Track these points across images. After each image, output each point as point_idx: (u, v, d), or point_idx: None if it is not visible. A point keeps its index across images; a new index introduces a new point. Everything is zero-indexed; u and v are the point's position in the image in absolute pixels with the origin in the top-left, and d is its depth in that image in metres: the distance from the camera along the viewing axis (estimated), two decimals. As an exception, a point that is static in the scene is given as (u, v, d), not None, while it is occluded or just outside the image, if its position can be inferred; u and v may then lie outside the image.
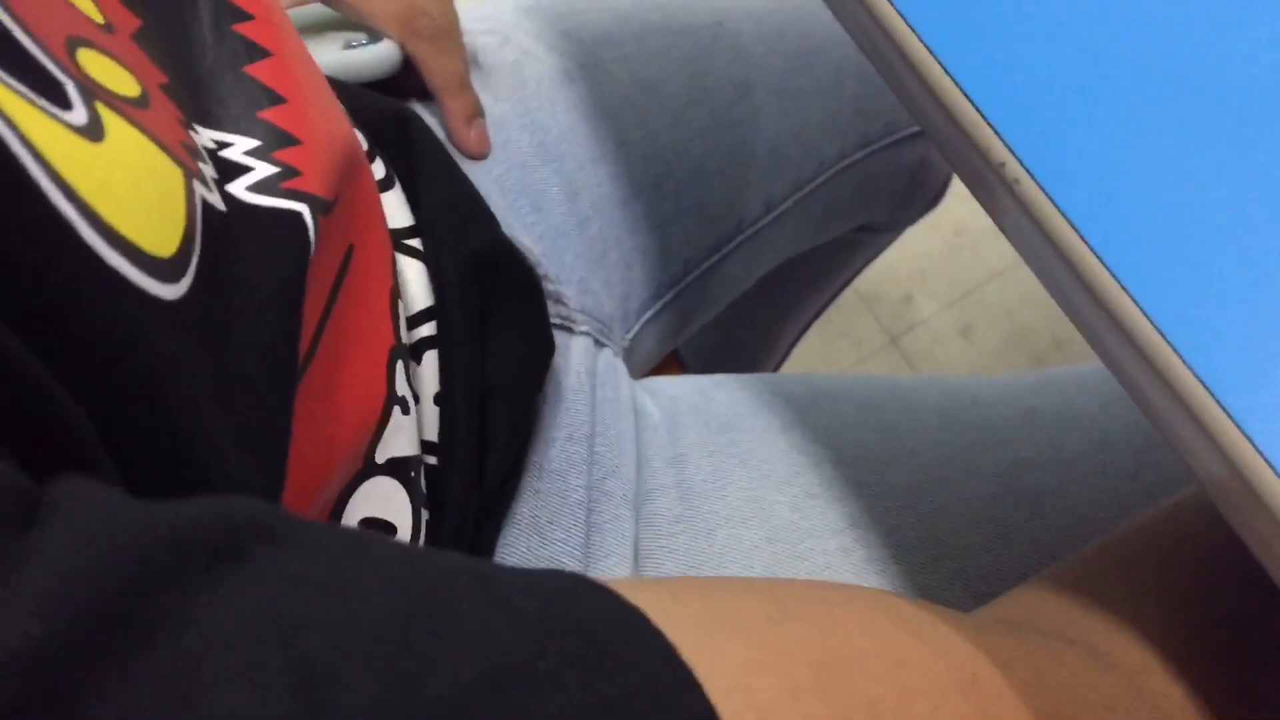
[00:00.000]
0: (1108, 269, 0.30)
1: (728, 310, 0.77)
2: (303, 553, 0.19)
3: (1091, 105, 0.32)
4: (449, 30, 0.59)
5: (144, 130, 0.28)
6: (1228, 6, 0.33)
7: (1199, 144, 0.31)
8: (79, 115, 0.26)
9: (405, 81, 0.60)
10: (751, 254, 0.72)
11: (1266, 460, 0.27)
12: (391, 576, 0.20)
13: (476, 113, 0.60)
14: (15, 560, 0.16)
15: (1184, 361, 0.28)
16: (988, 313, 1.34)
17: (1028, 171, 0.31)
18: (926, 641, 0.28)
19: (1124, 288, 0.29)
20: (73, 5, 0.31)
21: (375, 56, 0.58)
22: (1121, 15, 0.33)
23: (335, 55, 0.58)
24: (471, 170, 0.58)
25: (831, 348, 1.34)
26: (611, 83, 0.65)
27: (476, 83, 0.61)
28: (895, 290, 1.36)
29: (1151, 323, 0.29)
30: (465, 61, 0.60)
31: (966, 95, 0.33)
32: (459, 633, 0.19)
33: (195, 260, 0.28)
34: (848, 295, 1.29)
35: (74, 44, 0.29)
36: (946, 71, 0.33)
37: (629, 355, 0.65)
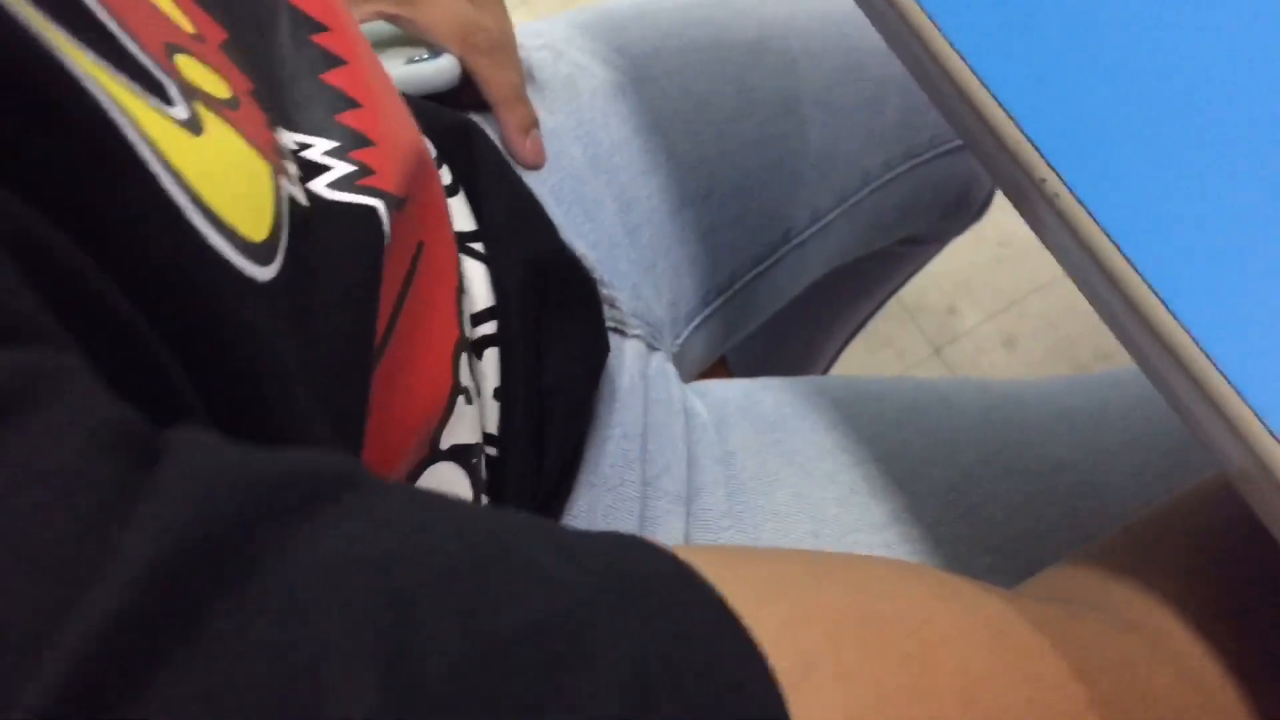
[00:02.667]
0: (1145, 281, 0.31)
1: (774, 319, 0.79)
2: (385, 500, 0.21)
3: (1129, 120, 0.33)
4: (505, 45, 0.62)
5: (236, 128, 0.31)
6: (1271, 26, 0.34)
7: (1235, 158, 0.32)
8: (181, 111, 0.28)
9: (464, 94, 0.62)
10: (797, 264, 0.73)
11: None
12: (464, 524, 0.22)
13: (532, 124, 0.62)
14: (140, 491, 0.18)
15: (1215, 365, 0.29)
16: (1031, 324, 1.34)
17: (1067, 186, 0.32)
18: (956, 601, 0.29)
19: (1160, 298, 0.30)
20: (168, 16, 0.33)
21: (436, 70, 0.61)
22: (1162, 34, 0.34)
23: (398, 69, 0.61)
24: (527, 180, 0.60)
25: (876, 357, 1.35)
26: (661, 97, 0.67)
27: (531, 96, 0.64)
28: (939, 301, 1.37)
29: (1185, 328, 0.30)
30: (521, 75, 0.63)
31: (1007, 111, 0.34)
32: (529, 574, 0.21)
33: (283, 247, 0.30)
34: (892, 305, 1.30)
35: (172, 49, 0.31)
36: (987, 88, 0.34)
37: (678, 360, 0.67)
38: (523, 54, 0.65)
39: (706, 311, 0.69)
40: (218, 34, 0.36)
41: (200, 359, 0.25)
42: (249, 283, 0.28)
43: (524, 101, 0.62)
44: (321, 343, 0.31)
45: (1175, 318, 0.30)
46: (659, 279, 0.64)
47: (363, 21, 0.62)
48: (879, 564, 0.30)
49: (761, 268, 0.71)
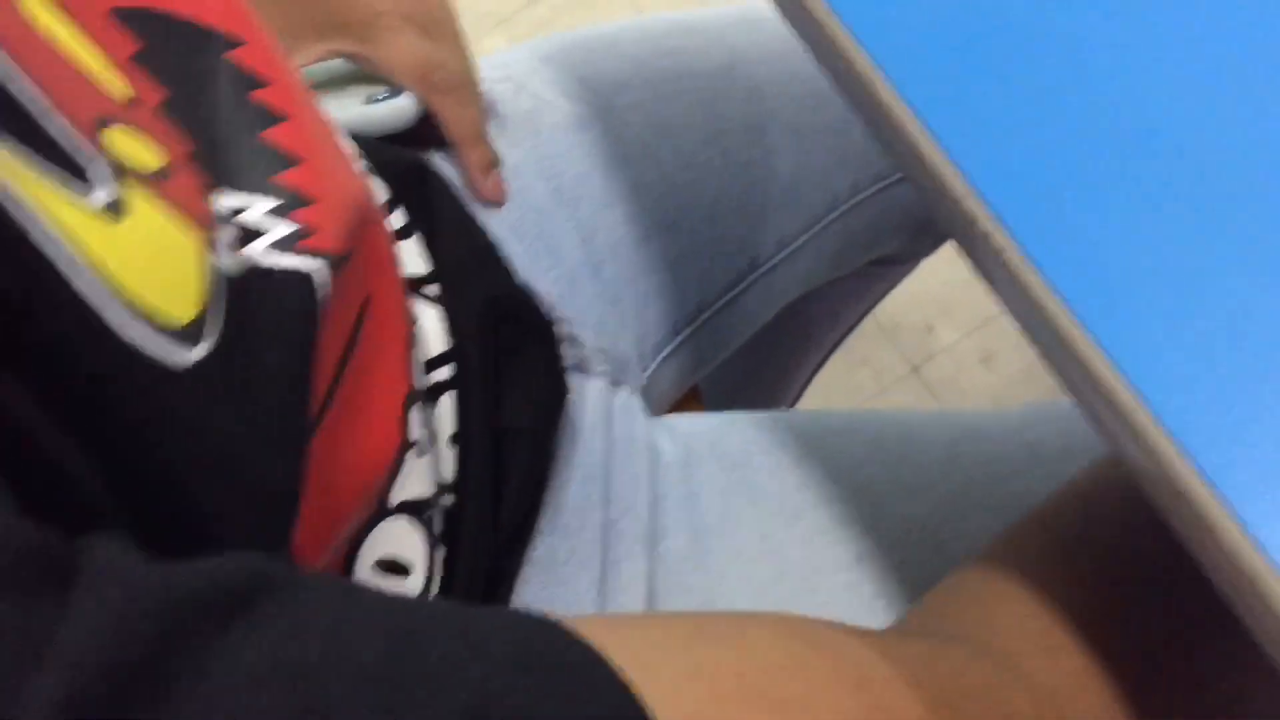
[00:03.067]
0: (1087, 334, 0.31)
1: (746, 346, 0.79)
2: (302, 602, 0.22)
3: (1077, 174, 0.33)
4: (466, 82, 0.61)
5: (164, 203, 0.30)
6: (1214, 78, 0.34)
7: (1185, 215, 0.32)
8: (102, 195, 0.28)
9: (425, 132, 0.62)
10: (766, 291, 0.73)
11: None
12: (379, 622, 0.23)
13: (493, 162, 0.61)
14: (56, 620, 0.18)
15: (1171, 438, 0.29)
16: (1009, 340, 1.34)
17: (1012, 240, 0.32)
18: (826, 650, 0.31)
19: (1105, 354, 0.30)
20: (101, 85, 0.33)
21: (395, 109, 0.60)
22: (1114, 88, 0.34)
23: (357, 109, 0.60)
24: (488, 217, 0.60)
25: (853, 377, 1.35)
26: (625, 127, 0.67)
27: (493, 131, 0.63)
28: (916, 319, 1.37)
29: (1131, 386, 0.30)
30: (483, 112, 0.62)
31: (953, 164, 0.34)
32: (440, 673, 0.22)
33: (213, 324, 0.30)
34: (869, 324, 1.30)
35: (101, 122, 0.31)
36: (934, 140, 0.34)
37: (647, 393, 0.66)
38: (484, 88, 0.65)
39: (675, 343, 0.68)
40: (156, 94, 0.36)
41: (120, 456, 0.25)
42: (169, 371, 0.28)
43: (485, 140, 0.61)
44: (256, 416, 0.31)
45: (1117, 370, 0.30)
46: (624, 312, 0.64)
47: (319, 60, 0.61)
48: (755, 619, 0.32)
49: (730, 296, 0.71)
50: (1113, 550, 0.39)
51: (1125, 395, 0.30)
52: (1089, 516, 0.41)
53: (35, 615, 0.18)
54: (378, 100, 0.61)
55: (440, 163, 0.62)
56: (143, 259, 0.28)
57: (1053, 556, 0.40)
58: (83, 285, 0.26)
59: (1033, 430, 0.57)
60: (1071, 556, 0.39)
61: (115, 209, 0.28)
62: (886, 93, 0.35)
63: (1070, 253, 0.32)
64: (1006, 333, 1.34)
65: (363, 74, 0.63)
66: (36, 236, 0.25)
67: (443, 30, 0.62)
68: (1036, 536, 0.41)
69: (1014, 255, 0.32)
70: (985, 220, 0.33)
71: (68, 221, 0.26)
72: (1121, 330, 0.31)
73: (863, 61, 0.36)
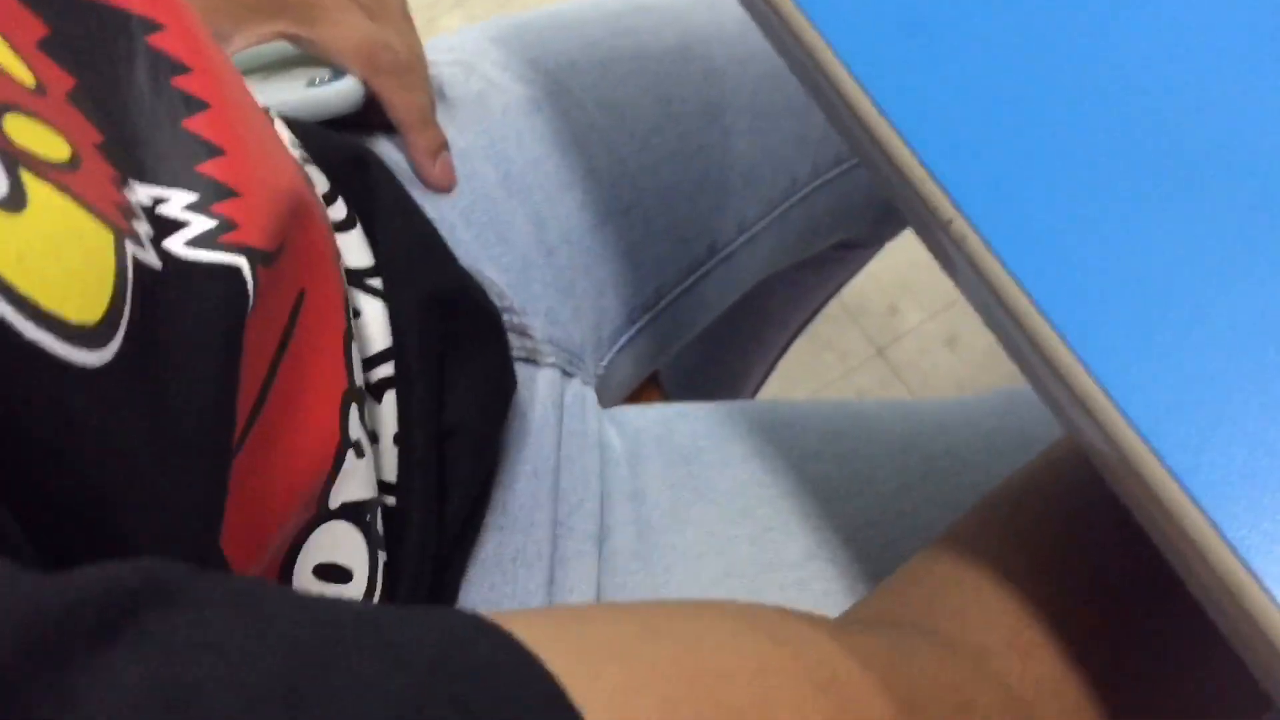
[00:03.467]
0: (1049, 321, 0.30)
1: (707, 330, 0.77)
2: (194, 615, 0.20)
3: (1039, 163, 0.32)
4: (412, 64, 0.59)
5: (71, 195, 0.29)
6: (1185, 68, 0.33)
7: (1152, 203, 0.31)
8: None
9: (371, 116, 0.60)
10: (727, 276, 0.72)
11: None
12: (282, 634, 0.20)
13: (441, 147, 0.60)
14: None
15: (1128, 421, 0.29)
16: (973, 322, 1.34)
17: (975, 229, 0.31)
18: (787, 647, 0.29)
19: (1067, 344, 0.30)
20: (3, 70, 0.31)
21: (338, 93, 0.58)
22: (1079, 73, 0.33)
23: (299, 93, 0.58)
24: (437, 203, 0.58)
25: (818, 360, 1.34)
26: (577, 110, 0.65)
27: (441, 115, 0.62)
28: (881, 301, 1.36)
29: (1095, 379, 0.29)
30: (430, 95, 0.60)
31: (914, 152, 0.33)
32: (349, 688, 0.20)
33: (124, 324, 0.28)
34: (834, 307, 1.29)
35: (1, 110, 0.29)
36: (894, 127, 0.33)
37: (604, 382, 0.65)
38: (433, 70, 0.63)
39: (633, 330, 0.67)
40: (65, 81, 0.34)
41: (22, 463, 0.23)
42: (76, 371, 0.26)
43: (432, 123, 0.60)
44: (170, 421, 0.29)
45: (1077, 356, 0.29)
46: (579, 300, 0.62)
47: (261, 42, 0.59)
48: (711, 611, 0.30)
49: (689, 282, 0.69)
50: (1074, 536, 0.38)
51: (1084, 381, 0.29)
52: (1049, 499, 0.40)
53: None
54: (320, 84, 0.59)
55: (386, 148, 0.60)
56: (42, 254, 0.26)
57: (1016, 542, 0.38)
58: None
59: (990, 420, 0.56)
60: (1034, 543, 0.38)
61: (14, 200, 0.27)
62: (841, 76, 0.34)
63: (1031, 240, 0.31)
64: (971, 315, 1.34)
65: (305, 57, 0.60)
66: None
67: (388, 11, 0.60)
68: (998, 522, 0.40)
69: (976, 244, 0.31)
70: (945, 208, 0.32)
71: None
72: (1082, 316, 0.30)
73: (818, 45, 0.35)
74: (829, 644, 0.30)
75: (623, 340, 0.66)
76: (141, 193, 0.34)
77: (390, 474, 0.44)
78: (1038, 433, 0.54)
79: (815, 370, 1.33)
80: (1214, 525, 0.27)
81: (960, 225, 0.32)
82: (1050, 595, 0.36)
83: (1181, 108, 0.32)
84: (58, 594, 0.18)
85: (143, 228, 0.32)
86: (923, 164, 0.33)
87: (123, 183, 0.33)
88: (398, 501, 0.44)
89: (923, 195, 0.33)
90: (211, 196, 0.35)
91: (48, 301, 0.26)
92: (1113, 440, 0.29)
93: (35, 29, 0.34)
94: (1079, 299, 0.30)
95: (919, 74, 0.34)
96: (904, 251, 1.34)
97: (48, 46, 0.34)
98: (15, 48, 0.32)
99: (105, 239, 0.29)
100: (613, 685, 0.24)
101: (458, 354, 0.48)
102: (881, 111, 0.33)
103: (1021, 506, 0.40)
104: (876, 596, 0.39)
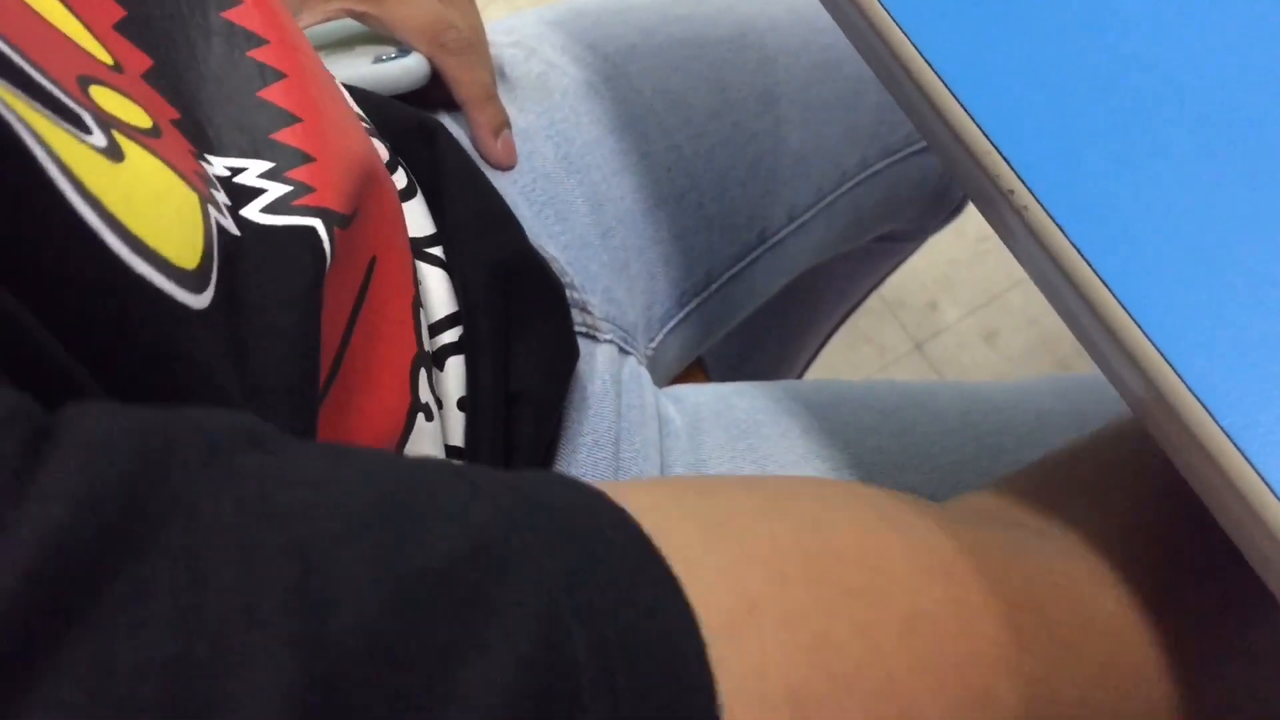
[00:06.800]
0: (1112, 292, 0.30)
1: (752, 318, 0.78)
2: (291, 454, 0.21)
3: (1099, 132, 0.32)
4: (475, 43, 0.60)
5: (160, 156, 0.30)
6: (1240, 37, 0.33)
7: (1206, 169, 0.31)
8: (98, 139, 0.27)
9: (434, 93, 0.61)
10: (774, 263, 0.73)
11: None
12: (373, 473, 0.22)
13: (503, 124, 0.61)
14: (33, 463, 0.18)
15: (1173, 367, 0.29)
16: (1012, 319, 1.34)
17: (1036, 199, 0.32)
18: (908, 535, 0.29)
19: (1130, 314, 0.30)
20: (81, 48, 0.32)
21: (404, 69, 0.59)
22: (1134, 46, 0.33)
23: (365, 69, 0.59)
24: (498, 180, 0.59)
25: (857, 353, 1.34)
26: (635, 95, 0.66)
27: (503, 95, 0.63)
28: (920, 297, 1.36)
29: (1156, 347, 0.29)
30: (492, 74, 0.61)
31: (976, 122, 0.33)
32: (437, 516, 0.21)
33: (215, 277, 0.29)
34: (873, 301, 1.29)
35: (85, 81, 0.30)
36: (957, 98, 0.34)
37: (653, 363, 0.66)
38: (494, 51, 0.64)
39: (682, 313, 0.68)
40: (141, 62, 0.35)
41: (133, 390, 0.24)
42: (183, 309, 0.27)
43: (494, 101, 0.61)
44: (261, 373, 0.30)
45: (1145, 334, 0.30)
46: (633, 281, 0.63)
47: (329, 19, 0.60)
48: (836, 493, 0.30)
49: (738, 268, 0.70)
50: (1138, 498, 0.38)
51: (1145, 349, 0.30)
52: (1137, 453, 0.39)
53: (17, 454, 0.18)
54: (386, 60, 0.60)
55: (449, 126, 0.62)
56: (144, 201, 0.27)
57: (1110, 480, 0.38)
58: (85, 213, 0.25)
59: (1043, 401, 0.56)
60: (1127, 482, 0.38)
61: (113, 152, 0.28)
62: (908, 52, 0.35)
63: (1093, 209, 0.31)
64: (1009, 311, 1.34)
65: (371, 34, 0.62)
66: (42, 159, 0.24)
67: (452, -10, 0.62)
68: (1088, 463, 0.39)
69: (1037, 213, 0.32)
70: (1007, 177, 0.33)
71: (68, 154, 0.25)
72: (1144, 286, 0.30)
73: (881, 15, 0.35)
74: (949, 537, 0.30)
75: (673, 322, 0.67)
76: (218, 164, 0.35)
77: (455, 438, 0.45)
78: (1090, 413, 0.55)
79: (854, 363, 1.34)
80: (1273, 490, 0.27)
81: (1022, 194, 0.32)
82: (1150, 530, 0.36)
83: (1246, 82, 0.32)
84: (169, 422, 0.20)
85: (220, 196, 0.33)
86: (985, 133, 0.33)
87: (199, 156, 0.34)
88: (465, 464, 0.45)
89: (984, 165, 0.33)
90: (287, 163, 0.36)
91: (154, 241, 0.27)
92: (1168, 407, 0.29)
93: (113, 12, 0.35)
94: (1141, 269, 0.30)
95: (981, 44, 0.34)
96: (945, 248, 1.35)
97: (124, 28, 0.35)
98: (93, 30, 0.33)
99: (193, 197, 0.30)
100: (729, 554, 0.25)
101: (522, 321, 0.49)
102: (943, 81, 0.34)
103: (1109, 452, 0.40)
104: (984, 494, 0.39)
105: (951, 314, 1.35)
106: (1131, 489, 0.38)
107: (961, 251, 1.36)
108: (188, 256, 0.28)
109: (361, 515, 0.20)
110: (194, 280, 0.28)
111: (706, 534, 0.25)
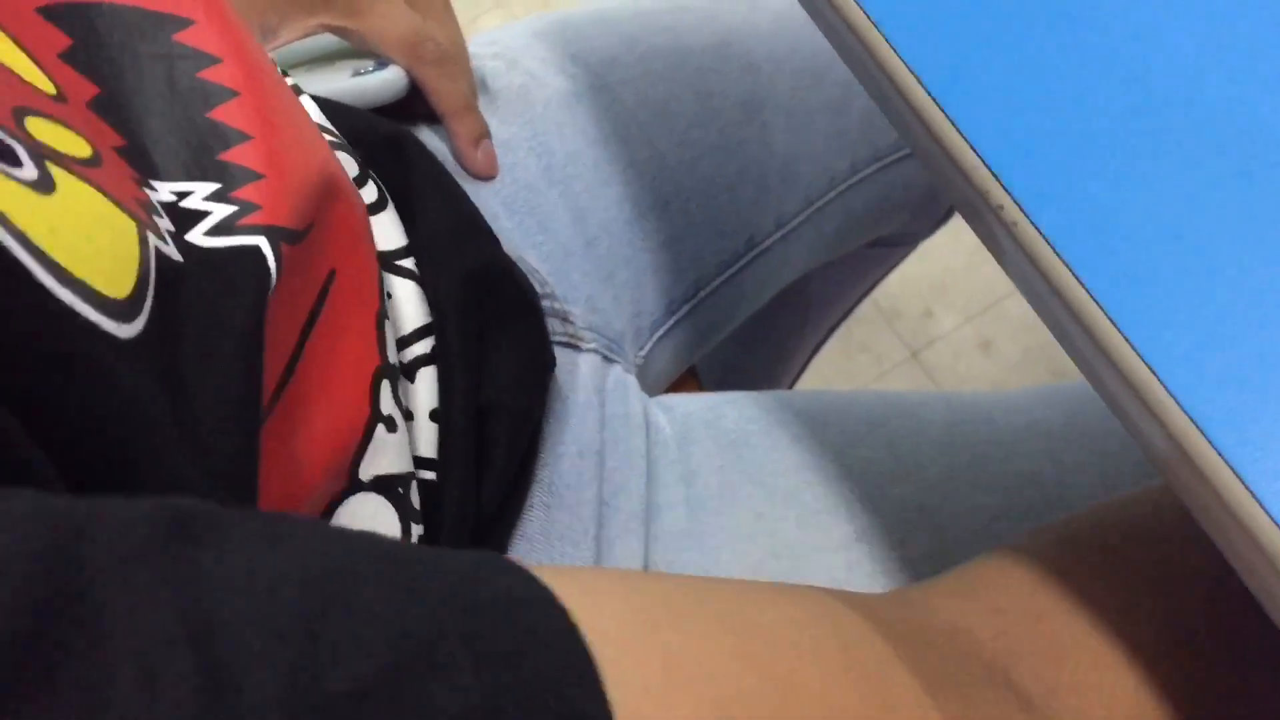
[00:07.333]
0: (1101, 308, 0.30)
1: (744, 325, 0.78)
2: (219, 552, 0.20)
3: (1091, 146, 0.32)
4: (455, 55, 0.60)
5: (95, 185, 0.30)
6: (1230, 55, 0.33)
7: (1198, 180, 0.31)
8: (28, 171, 0.27)
9: (414, 106, 0.61)
10: (764, 270, 0.72)
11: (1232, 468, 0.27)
12: (303, 570, 0.21)
13: (483, 134, 0.60)
14: None
15: (1173, 397, 0.28)
16: (1008, 327, 1.33)
17: (1025, 214, 0.31)
18: (816, 612, 0.30)
19: (1120, 330, 0.29)
20: (22, 79, 0.32)
21: (383, 82, 0.59)
22: (1125, 58, 0.33)
23: (345, 83, 0.59)
24: (479, 191, 0.59)
25: (852, 362, 1.34)
26: (618, 105, 0.66)
27: (484, 106, 0.62)
28: (916, 305, 1.36)
29: (1146, 364, 0.29)
30: (472, 85, 0.61)
31: (964, 136, 0.33)
32: (362, 624, 0.20)
33: (149, 305, 0.29)
34: (868, 309, 1.29)
35: (21, 113, 0.30)
36: (944, 112, 0.33)
37: (643, 372, 0.65)
38: (475, 64, 0.64)
39: (671, 321, 0.67)
40: (86, 90, 0.35)
41: (54, 421, 0.24)
42: (109, 338, 0.27)
43: (474, 112, 0.60)
44: (197, 397, 0.30)
45: (1135, 349, 0.29)
46: (619, 289, 0.63)
47: (307, 35, 0.60)
48: (752, 584, 0.31)
49: (727, 275, 0.70)
50: (1156, 575, 0.37)
51: (1136, 366, 0.29)
52: (1125, 535, 0.39)
53: None
54: (365, 74, 0.60)
55: (429, 137, 0.61)
56: (73, 231, 0.27)
57: (1089, 569, 0.37)
58: (12, 245, 0.25)
59: (1034, 411, 0.56)
60: (1113, 574, 0.37)
61: (44, 183, 0.28)
62: (890, 59, 0.34)
63: (1083, 224, 0.31)
64: (1005, 320, 1.34)
65: (350, 49, 0.61)
66: None
67: (431, 2, 0.61)
68: (1078, 543, 0.38)
69: (1027, 229, 0.31)
70: (996, 193, 0.32)
71: None
72: (1134, 302, 0.30)
73: (866, 27, 0.35)
74: (853, 614, 0.31)
75: (661, 330, 0.66)
76: (163, 190, 0.35)
77: (427, 449, 0.44)
78: (1082, 425, 0.54)
79: (849, 372, 1.33)
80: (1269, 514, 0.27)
81: (1011, 210, 0.32)
82: (1126, 631, 0.35)
83: (1241, 94, 0.32)
84: (92, 516, 0.19)
85: (163, 223, 0.33)
86: (974, 149, 0.33)
87: (143, 183, 0.34)
88: (436, 475, 0.44)
89: (973, 180, 0.33)
90: (235, 182, 0.36)
91: (81, 272, 0.27)
92: (1166, 426, 0.29)
93: (58, 40, 0.35)
94: (1131, 284, 0.30)
95: (968, 56, 0.34)
96: (939, 256, 1.34)
97: (70, 57, 0.35)
98: (38, 59, 0.33)
99: (129, 226, 0.30)
100: (638, 630, 0.25)
101: (496, 332, 0.48)
102: (930, 94, 0.33)
103: (1103, 528, 0.39)
104: (941, 581, 0.39)
105: (947, 322, 1.35)
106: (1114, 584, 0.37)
107: (957, 259, 1.36)
108: (118, 285, 0.28)
109: (281, 631, 0.19)
110: (124, 309, 0.28)
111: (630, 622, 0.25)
